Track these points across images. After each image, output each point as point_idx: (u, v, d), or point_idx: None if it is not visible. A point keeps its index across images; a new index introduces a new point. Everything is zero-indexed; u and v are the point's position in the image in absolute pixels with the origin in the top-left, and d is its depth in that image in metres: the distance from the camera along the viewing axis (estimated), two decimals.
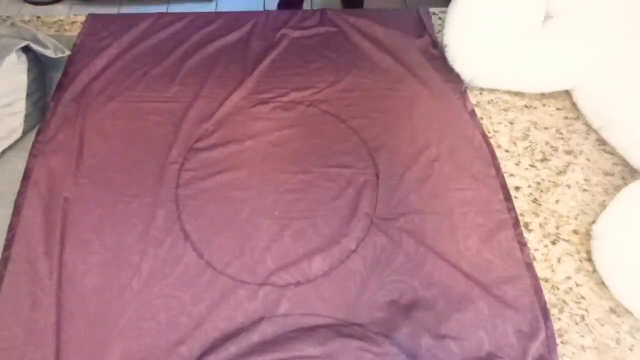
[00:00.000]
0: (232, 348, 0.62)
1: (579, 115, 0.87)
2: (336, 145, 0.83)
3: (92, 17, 1.01)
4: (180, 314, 0.65)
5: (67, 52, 0.89)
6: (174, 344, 0.63)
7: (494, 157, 0.80)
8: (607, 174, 0.79)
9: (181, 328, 0.64)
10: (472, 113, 0.86)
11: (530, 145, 0.83)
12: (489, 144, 0.82)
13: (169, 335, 0.63)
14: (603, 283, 0.67)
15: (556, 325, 0.64)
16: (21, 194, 0.75)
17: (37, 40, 0.83)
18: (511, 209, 0.74)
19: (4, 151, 0.80)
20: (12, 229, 0.71)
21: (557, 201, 0.76)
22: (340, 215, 0.74)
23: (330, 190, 0.77)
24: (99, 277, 0.68)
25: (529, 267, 0.68)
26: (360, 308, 0.66)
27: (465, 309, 0.65)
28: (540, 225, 0.73)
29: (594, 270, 0.68)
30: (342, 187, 0.77)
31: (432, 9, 1.05)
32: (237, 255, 0.70)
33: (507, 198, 0.75)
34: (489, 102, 0.89)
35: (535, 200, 0.76)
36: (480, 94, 0.90)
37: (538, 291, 0.66)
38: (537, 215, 0.74)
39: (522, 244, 0.71)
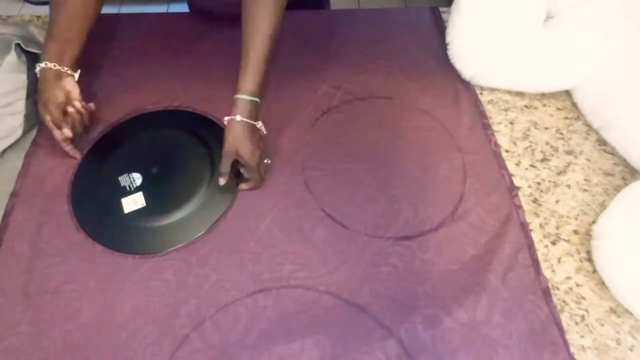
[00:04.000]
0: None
1: (579, 115, 0.87)
2: None
3: None
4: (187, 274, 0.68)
5: None
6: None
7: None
8: (607, 174, 0.79)
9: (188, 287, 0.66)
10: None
11: (530, 146, 0.83)
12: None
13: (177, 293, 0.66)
14: (603, 283, 0.67)
15: None
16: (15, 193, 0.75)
17: (36, 40, 0.83)
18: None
19: (4, 151, 0.80)
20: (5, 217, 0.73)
21: (557, 201, 0.76)
22: None
23: None
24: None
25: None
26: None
27: None
28: (540, 226, 0.73)
29: (594, 271, 0.68)
30: None
31: (440, 8, 1.04)
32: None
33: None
34: (489, 102, 0.89)
35: (535, 201, 0.76)
36: (481, 94, 0.90)
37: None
38: (537, 215, 0.74)
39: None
